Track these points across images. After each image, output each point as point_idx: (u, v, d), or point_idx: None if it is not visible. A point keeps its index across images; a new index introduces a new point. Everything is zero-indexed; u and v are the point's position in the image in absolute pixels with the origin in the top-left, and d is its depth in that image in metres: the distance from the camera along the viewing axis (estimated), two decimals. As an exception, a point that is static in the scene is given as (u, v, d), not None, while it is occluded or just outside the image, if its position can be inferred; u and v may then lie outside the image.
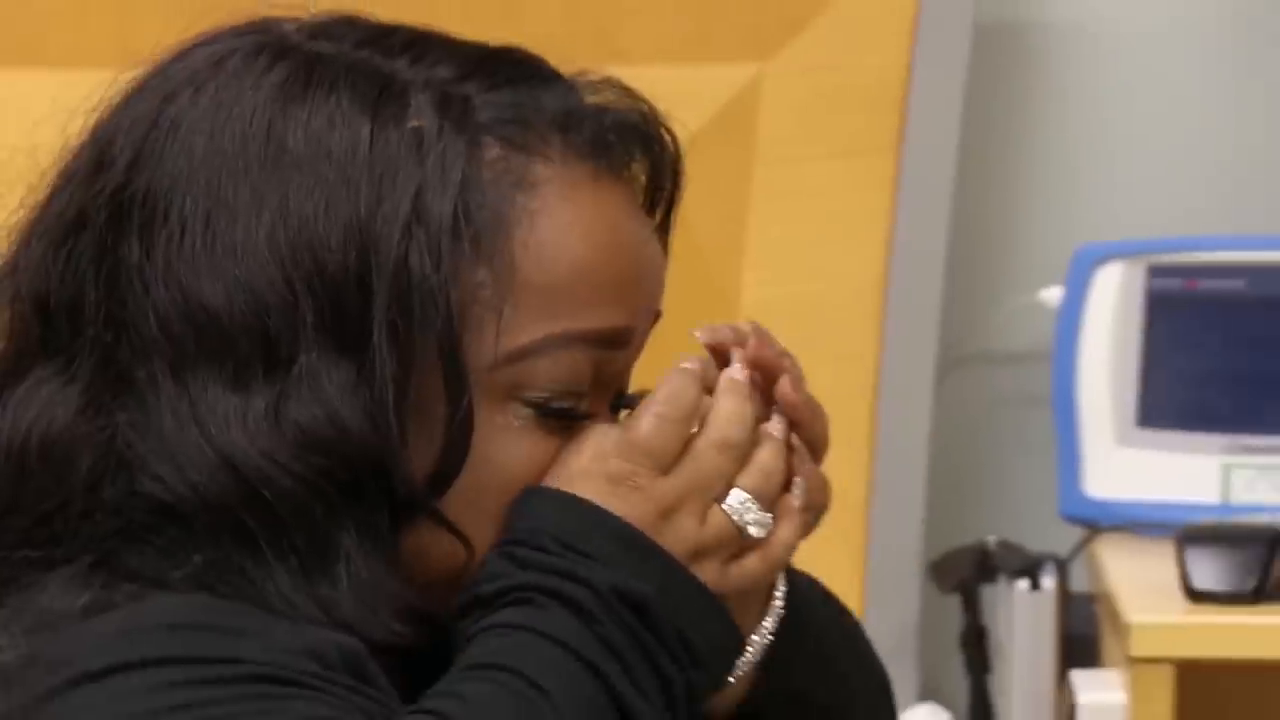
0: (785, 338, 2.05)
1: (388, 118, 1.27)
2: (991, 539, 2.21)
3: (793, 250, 2.29)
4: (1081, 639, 2.15)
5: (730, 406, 1.26)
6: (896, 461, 2.31)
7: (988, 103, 2.37)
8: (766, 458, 1.29)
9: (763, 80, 2.28)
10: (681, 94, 1.91)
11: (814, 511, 1.27)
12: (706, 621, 1.24)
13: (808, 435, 1.27)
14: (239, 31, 1.33)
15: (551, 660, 1.23)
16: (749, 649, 1.27)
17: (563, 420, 1.26)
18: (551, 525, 1.25)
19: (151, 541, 1.24)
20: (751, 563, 1.24)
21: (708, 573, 1.24)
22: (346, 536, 1.24)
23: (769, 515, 1.23)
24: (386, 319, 1.25)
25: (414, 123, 1.27)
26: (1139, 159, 2.39)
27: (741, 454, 1.25)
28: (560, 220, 1.26)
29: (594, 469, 1.25)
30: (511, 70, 1.28)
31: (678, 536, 1.23)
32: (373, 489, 1.24)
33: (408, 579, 1.24)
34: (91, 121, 1.31)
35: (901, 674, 2.19)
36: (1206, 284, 2.18)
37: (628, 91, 1.27)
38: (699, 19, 2.28)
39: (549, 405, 1.26)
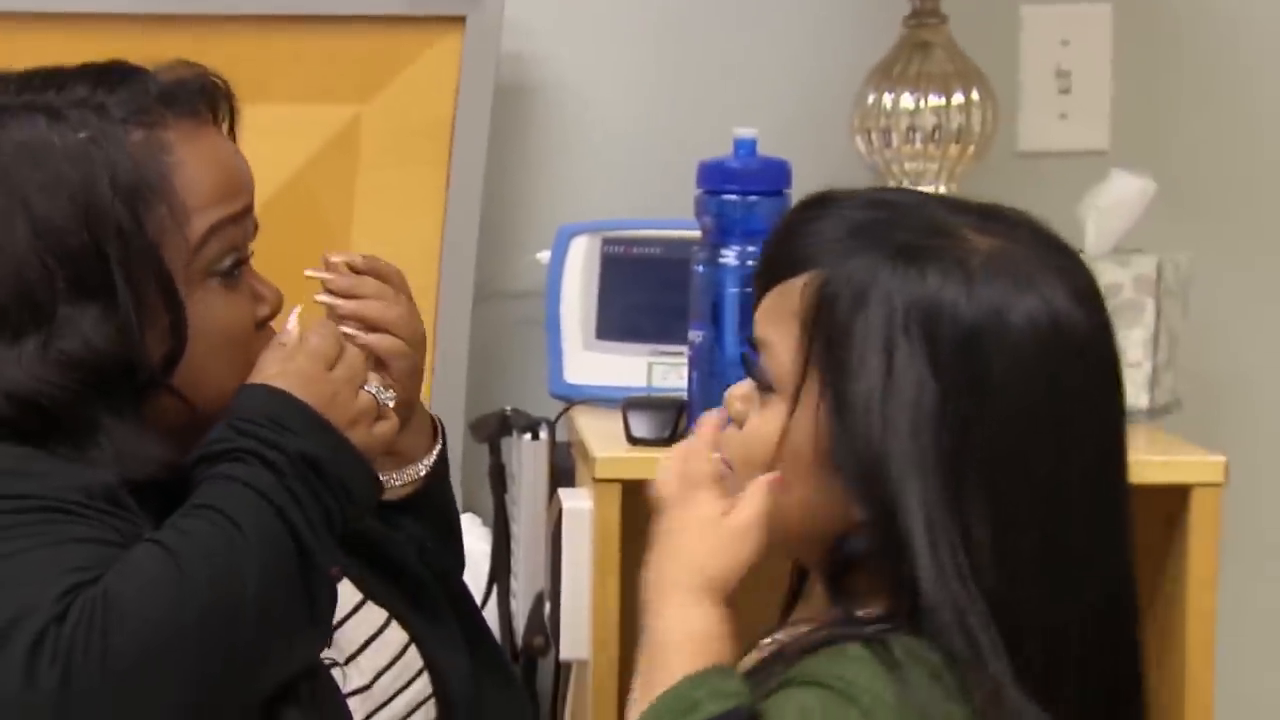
0: None
1: (64, 133, 1.55)
2: (508, 407, 2.49)
3: (385, 224, 2.60)
4: (564, 471, 2.41)
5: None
6: (449, 360, 2.57)
7: (506, 129, 2.67)
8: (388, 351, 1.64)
9: (362, 115, 2.60)
10: (310, 122, 2.45)
11: (416, 341, 1.67)
12: (358, 475, 1.55)
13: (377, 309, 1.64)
14: None
15: (250, 504, 1.48)
16: (419, 466, 1.71)
17: (236, 275, 1.59)
18: (261, 407, 1.53)
19: None
20: (385, 427, 1.62)
21: (359, 435, 1.57)
22: (104, 417, 1.53)
23: (391, 392, 1.62)
24: (120, 267, 1.53)
25: (81, 134, 1.55)
26: (602, 165, 2.71)
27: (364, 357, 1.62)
28: (192, 162, 1.58)
29: (288, 369, 1.56)
30: (116, 76, 1.60)
31: (342, 411, 1.57)
32: (121, 383, 1.53)
33: (159, 431, 1.54)
34: None
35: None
36: (636, 250, 2.47)
37: (188, 63, 1.63)
38: (323, 71, 2.58)
39: (226, 268, 1.59)
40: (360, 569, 1.71)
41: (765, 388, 1.48)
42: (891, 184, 2.40)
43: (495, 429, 2.47)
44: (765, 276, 1.50)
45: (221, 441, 1.52)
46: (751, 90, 2.68)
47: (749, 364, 1.50)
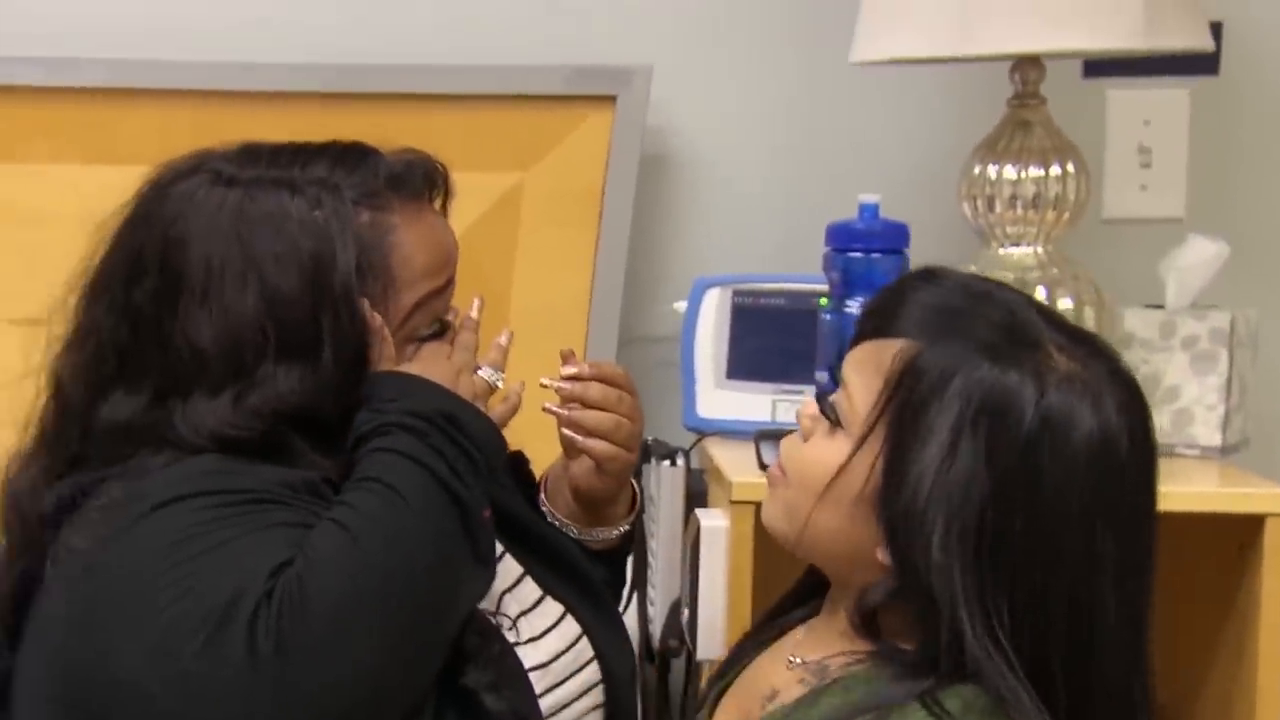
0: (534, 326, 2.47)
1: (302, 209, 1.62)
2: (649, 438, 2.47)
3: (541, 279, 2.69)
4: (697, 494, 2.43)
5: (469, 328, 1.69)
6: None
7: (650, 194, 2.76)
8: (493, 352, 1.74)
9: (524, 182, 2.70)
10: (477, 188, 2.50)
11: (630, 442, 1.78)
12: (486, 426, 1.64)
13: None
14: (190, 170, 1.66)
15: (399, 466, 1.56)
16: (615, 532, 1.83)
17: (439, 339, 1.69)
18: (393, 386, 1.62)
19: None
20: (502, 408, 1.72)
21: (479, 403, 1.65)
22: (298, 443, 1.63)
23: (503, 374, 1.72)
24: (330, 337, 1.62)
25: (317, 211, 1.62)
26: (735, 226, 2.78)
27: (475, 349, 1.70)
28: (410, 242, 1.67)
29: (413, 360, 1.63)
30: (352, 158, 1.68)
31: (466, 389, 1.66)
32: (309, 424, 1.61)
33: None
34: (106, 235, 1.66)
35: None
36: (763, 300, 2.51)
37: (414, 150, 1.71)
38: (489, 143, 2.66)
39: (428, 335, 1.69)
40: (539, 568, 1.80)
41: (834, 420, 1.57)
42: (994, 245, 2.52)
43: (638, 457, 2.28)
44: (866, 326, 1.58)
45: (368, 422, 1.60)
46: (870, 160, 2.76)
47: (824, 393, 1.60)
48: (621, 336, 2.69)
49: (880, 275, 2.23)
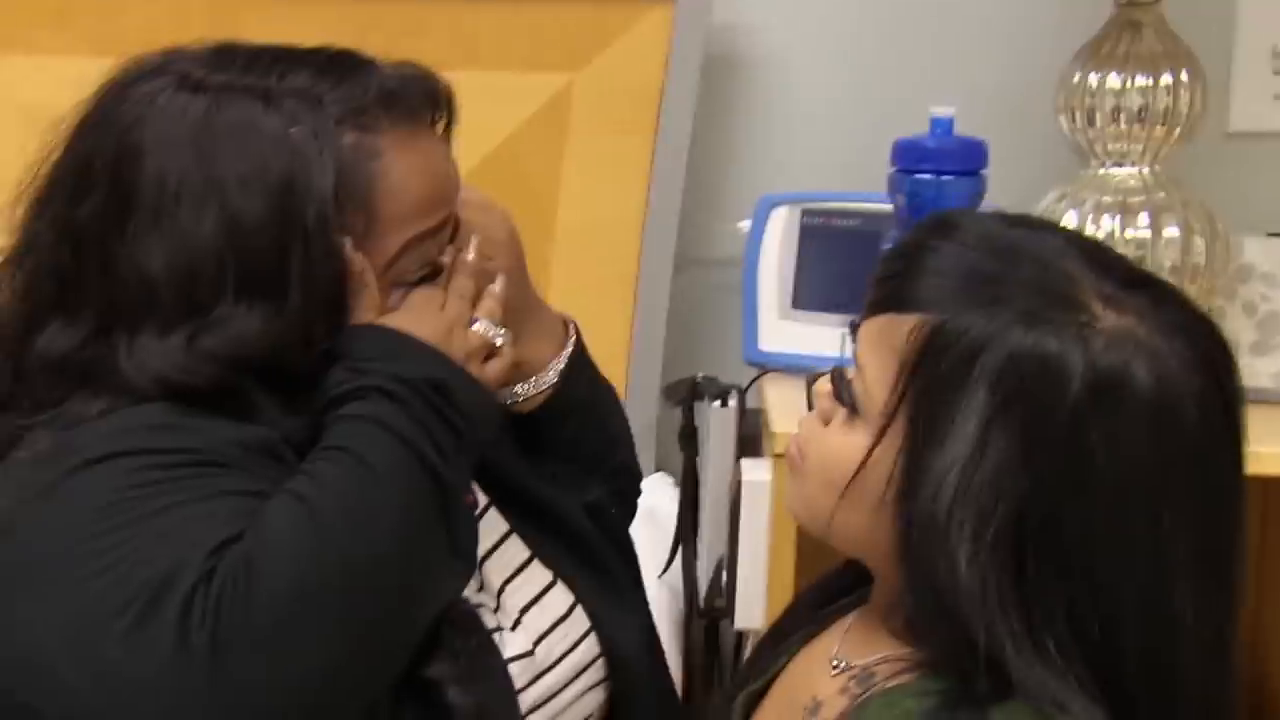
0: (581, 244, 2.47)
1: (275, 123, 1.47)
2: (700, 374, 2.44)
3: (591, 191, 2.62)
4: (752, 439, 2.36)
5: (462, 275, 1.55)
6: (648, 325, 2.62)
7: (713, 99, 2.68)
8: (490, 301, 1.56)
9: (573, 84, 2.62)
10: (521, 89, 2.46)
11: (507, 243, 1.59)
12: (479, 395, 1.50)
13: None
14: (155, 69, 1.52)
15: (374, 438, 1.42)
16: (550, 372, 1.64)
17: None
18: (376, 343, 1.48)
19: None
20: (498, 365, 1.56)
21: (473, 370, 1.52)
22: (258, 395, 1.48)
23: (503, 329, 1.55)
24: (299, 274, 1.46)
25: (293, 129, 1.47)
26: (806, 137, 2.70)
27: (472, 297, 1.55)
28: (399, 171, 1.51)
29: (400, 310, 1.51)
30: (341, 68, 1.52)
31: (459, 347, 1.51)
32: (274, 373, 1.47)
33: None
34: (61, 136, 1.52)
35: (645, 454, 2.51)
36: (836, 222, 2.44)
37: (413, 64, 1.54)
38: (535, 40, 2.60)
39: (414, 281, 1.54)
40: (528, 529, 1.67)
41: (851, 406, 1.40)
42: (1094, 164, 2.36)
43: (686, 394, 2.44)
44: (878, 296, 1.40)
45: (344, 383, 1.48)
46: (957, 68, 2.66)
47: (839, 374, 1.41)
48: (678, 258, 2.64)
49: (951, 199, 2.12)
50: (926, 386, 1.34)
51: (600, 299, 2.52)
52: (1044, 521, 1.32)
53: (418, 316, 1.52)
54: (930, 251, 1.38)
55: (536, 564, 1.66)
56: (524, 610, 1.64)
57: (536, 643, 1.62)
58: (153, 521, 1.38)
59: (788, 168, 2.67)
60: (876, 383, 1.37)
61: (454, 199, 1.57)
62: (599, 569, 1.69)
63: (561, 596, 1.65)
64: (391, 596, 1.40)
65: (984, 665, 1.32)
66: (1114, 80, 2.33)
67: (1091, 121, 2.34)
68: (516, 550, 1.66)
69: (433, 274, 1.56)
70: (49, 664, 1.35)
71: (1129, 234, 2.30)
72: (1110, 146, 2.36)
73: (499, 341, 1.57)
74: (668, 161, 2.60)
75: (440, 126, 1.58)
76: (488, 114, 2.46)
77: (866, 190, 2.45)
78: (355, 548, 1.37)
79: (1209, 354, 1.36)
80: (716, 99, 2.69)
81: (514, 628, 1.62)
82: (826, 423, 1.42)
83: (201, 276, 1.47)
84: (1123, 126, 2.33)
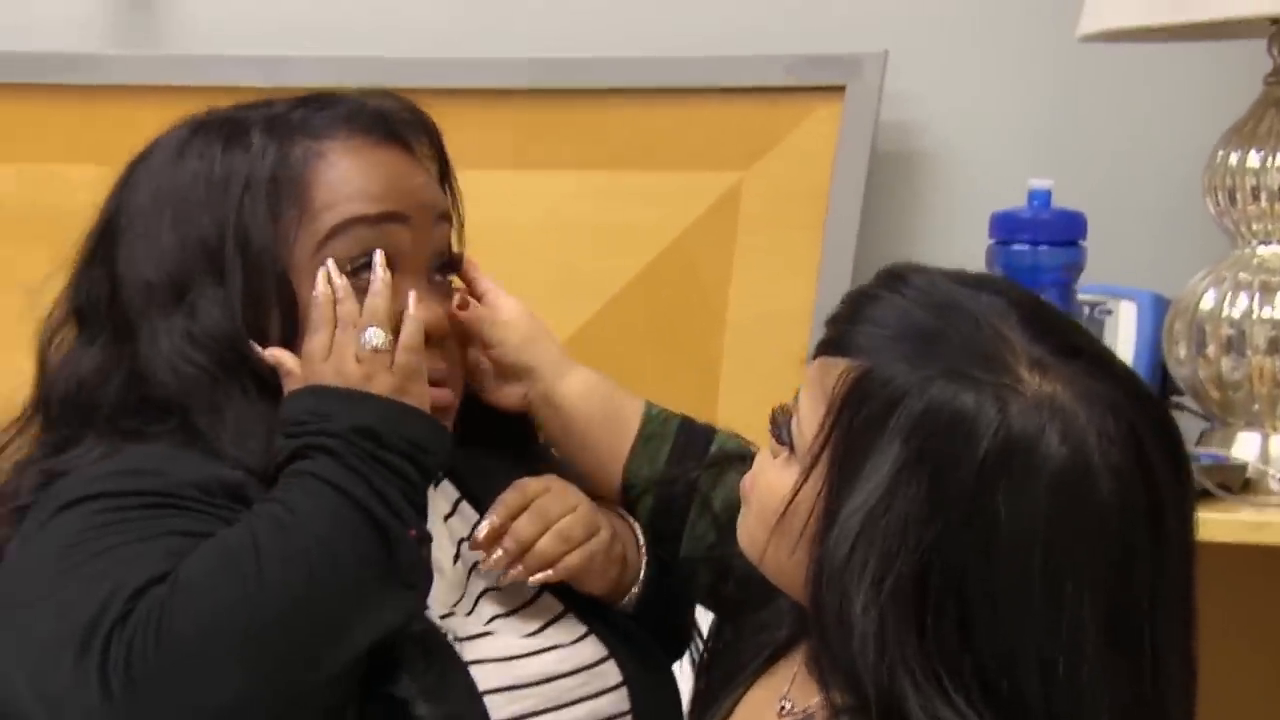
0: (752, 339, 2.49)
1: (234, 143, 1.59)
2: None
3: (761, 286, 2.63)
4: None
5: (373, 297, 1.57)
6: None
7: (882, 193, 2.66)
8: (373, 302, 1.57)
9: (743, 182, 2.64)
10: (693, 188, 2.54)
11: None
12: (414, 422, 1.53)
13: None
14: (189, 125, 1.64)
15: (306, 487, 1.48)
16: (634, 589, 1.69)
17: (362, 277, 1.57)
18: (302, 406, 1.54)
19: (143, 415, 1.59)
20: (400, 357, 1.56)
21: (383, 383, 1.54)
22: (232, 403, 1.55)
23: (384, 331, 1.55)
24: (237, 257, 1.56)
25: (251, 140, 1.59)
26: (977, 229, 2.44)
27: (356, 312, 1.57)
28: (341, 165, 1.58)
29: (315, 369, 1.56)
30: (325, 99, 1.62)
31: (382, 382, 1.54)
32: (243, 368, 1.56)
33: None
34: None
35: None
36: None
37: (391, 95, 1.62)
38: (706, 140, 2.64)
39: (352, 269, 1.58)
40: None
41: (788, 445, 1.44)
42: (1239, 244, 2.32)
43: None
44: (823, 338, 1.44)
45: (282, 450, 1.54)
46: (1132, 152, 2.64)
47: (780, 411, 1.45)
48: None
49: (1045, 271, 2.12)
50: (847, 431, 1.37)
51: (772, 393, 2.47)
52: (947, 575, 1.33)
53: (336, 362, 1.56)
54: (873, 300, 1.41)
55: (571, 616, 1.71)
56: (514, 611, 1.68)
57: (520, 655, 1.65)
58: (95, 562, 1.45)
59: (961, 260, 2.48)
60: (807, 422, 1.41)
61: (411, 202, 1.61)
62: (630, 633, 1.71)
63: (593, 649, 1.70)
64: (304, 633, 1.43)
65: (885, 713, 1.33)
66: (1253, 159, 2.29)
67: (1233, 201, 2.31)
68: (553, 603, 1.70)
69: (365, 266, 1.59)
70: (16, 692, 1.45)
71: (1264, 313, 2.25)
72: (1254, 226, 2.33)
73: (380, 346, 1.57)
74: (836, 256, 2.61)
75: (422, 152, 1.65)
76: (660, 213, 2.60)
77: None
78: (267, 589, 1.42)
79: (1135, 429, 1.35)
80: (886, 193, 2.68)
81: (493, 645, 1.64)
82: (776, 456, 1.46)
83: (173, 264, 1.58)
84: (1263, 205, 2.29)
